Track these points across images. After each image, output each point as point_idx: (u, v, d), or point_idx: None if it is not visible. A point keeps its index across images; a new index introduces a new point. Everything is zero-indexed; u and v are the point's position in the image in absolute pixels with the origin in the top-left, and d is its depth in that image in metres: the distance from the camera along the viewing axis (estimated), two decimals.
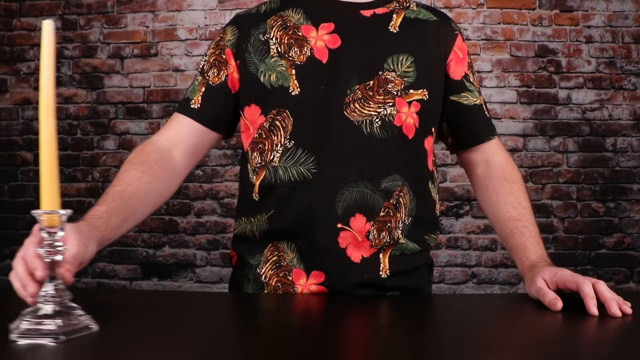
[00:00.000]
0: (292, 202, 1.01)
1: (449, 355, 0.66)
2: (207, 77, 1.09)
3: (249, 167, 1.07)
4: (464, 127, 1.13)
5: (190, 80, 2.82)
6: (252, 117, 1.06)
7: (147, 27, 2.85)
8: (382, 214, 1.01)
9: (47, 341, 0.65)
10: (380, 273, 1.02)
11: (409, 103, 1.04)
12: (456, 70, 1.11)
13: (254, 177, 1.06)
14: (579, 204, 2.75)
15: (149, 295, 1.38)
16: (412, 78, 1.04)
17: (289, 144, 1.02)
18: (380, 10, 1.07)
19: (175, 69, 2.83)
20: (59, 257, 0.69)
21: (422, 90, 1.05)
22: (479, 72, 2.75)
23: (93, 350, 0.65)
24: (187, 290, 2.78)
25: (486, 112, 1.15)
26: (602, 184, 2.74)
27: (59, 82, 2.87)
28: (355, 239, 1.00)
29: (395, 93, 1.03)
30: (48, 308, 0.68)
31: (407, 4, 1.10)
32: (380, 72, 1.02)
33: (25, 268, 0.72)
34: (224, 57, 1.08)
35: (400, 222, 1.03)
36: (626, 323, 0.79)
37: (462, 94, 1.12)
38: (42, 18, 2.87)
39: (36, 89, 2.88)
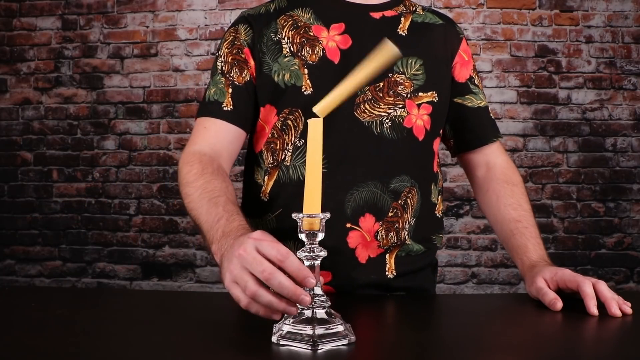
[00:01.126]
0: (300, 202, 1.00)
1: (449, 355, 0.66)
2: (231, 78, 1.05)
3: (260, 168, 1.07)
4: (468, 130, 1.14)
5: (190, 80, 2.82)
6: (267, 118, 1.05)
7: (147, 27, 2.85)
8: (390, 214, 1.01)
9: (304, 347, 0.63)
10: (387, 273, 1.02)
11: (419, 105, 1.04)
12: (461, 73, 1.12)
13: (266, 177, 1.05)
14: (579, 204, 2.75)
15: (149, 295, 1.38)
16: (421, 81, 1.04)
17: (299, 142, 1.02)
18: (389, 13, 1.08)
19: (175, 69, 2.83)
20: (318, 262, 0.67)
21: (431, 92, 1.05)
22: (479, 72, 2.75)
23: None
24: (187, 290, 2.78)
25: (491, 115, 1.16)
26: (602, 184, 2.74)
27: (58, 82, 2.88)
28: (364, 239, 1.00)
29: (405, 95, 1.03)
30: (308, 313, 0.65)
31: (414, 8, 1.11)
32: (390, 74, 1.03)
33: (287, 280, 0.62)
34: (242, 56, 1.06)
35: (407, 223, 1.03)
36: (626, 323, 0.79)
37: (466, 97, 1.13)
38: (42, 18, 2.87)
39: (36, 89, 2.88)
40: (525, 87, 2.76)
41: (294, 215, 0.67)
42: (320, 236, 0.67)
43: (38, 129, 2.89)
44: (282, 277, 0.62)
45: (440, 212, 1.13)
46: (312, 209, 0.66)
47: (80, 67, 2.87)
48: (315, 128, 0.68)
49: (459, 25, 1.17)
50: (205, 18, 2.83)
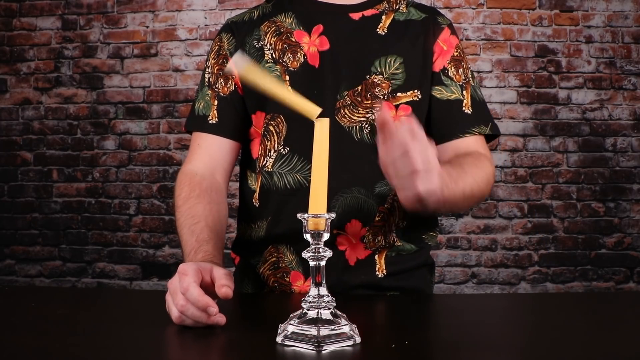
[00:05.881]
0: (287, 210, 1.01)
1: (449, 355, 0.66)
2: (217, 89, 1.07)
3: (254, 174, 1.07)
4: (434, 122, 1.06)
5: (190, 80, 2.82)
6: (259, 124, 1.06)
7: (147, 27, 2.85)
8: (377, 218, 1.01)
9: (309, 347, 0.64)
10: (377, 273, 1.02)
11: (397, 107, 1.03)
12: (436, 63, 1.07)
13: (255, 183, 1.06)
14: (579, 204, 2.75)
15: (149, 295, 1.38)
16: (400, 80, 1.02)
17: (284, 150, 1.02)
18: (369, 12, 1.06)
19: (175, 69, 2.83)
20: (323, 262, 0.67)
21: (411, 92, 1.03)
22: (478, 72, 2.75)
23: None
24: None
25: (465, 109, 1.05)
26: (602, 184, 2.74)
27: (58, 82, 2.87)
28: (350, 241, 1.00)
29: (382, 97, 1.02)
30: (312, 313, 0.66)
31: (397, 6, 1.08)
32: (367, 76, 1.02)
33: (197, 311, 0.72)
34: (227, 65, 1.07)
35: (394, 226, 1.02)
36: (626, 323, 0.79)
37: (436, 87, 1.06)
38: (42, 18, 2.87)
39: (36, 89, 2.88)
40: (525, 87, 2.76)
41: (299, 215, 0.67)
42: (326, 236, 0.67)
43: (38, 129, 2.89)
44: (193, 309, 0.72)
45: None
46: (317, 209, 0.66)
47: (80, 67, 2.87)
48: (322, 128, 0.68)
49: (445, 16, 1.11)
50: (205, 18, 2.83)
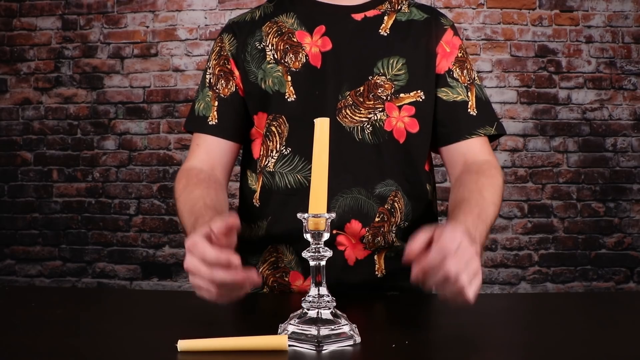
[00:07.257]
0: (288, 210, 1.01)
1: (449, 355, 0.66)
2: (217, 91, 1.07)
3: (255, 174, 1.07)
4: (441, 124, 1.07)
5: (190, 80, 2.82)
6: (261, 125, 1.06)
7: (147, 27, 2.85)
8: (377, 219, 1.00)
9: (309, 347, 0.64)
10: (376, 273, 1.02)
11: (400, 107, 1.02)
12: (440, 65, 1.07)
13: (256, 183, 1.07)
14: (579, 204, 2.75)
15: (149, 295, 1.38)
16: (403, 81, 1.02)
17: (286, 150, 1.02)
18: (371, 13, 1.06)
19: (175, 69, 2.83)
20: (323, 262, 0.67)
21: (415, 92, 1.03)
22: (478, 72, 2.75)
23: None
24: (187, 290, 2.77)
25: (470, 110, 1.07)
26: (602, 184, 2.74)
27: (58, 82, 2.88)
28: (350, 241, 1.00)
29: (385, 98, 1.01)
30: (312, 313, 0.66)
31: (399, 7, 1.08)
32: (370, 77, 1.01)
33: (225, 275, 0.71)
34: (228, 67, 1.07)
35: (394, 226, 1.02)
36: (626, 323, 0.79)
37: (442, 89, 1.06)
38: (42, 18, 2.87)
39: (36, 89, 2.88)
40: (525, 87, 2.76)
41: (299, 215, 0.67)
42: (326, 236, 0.67)
43: (38, 129, 2.89)
44: (221, 273, 0.70)
45: (436, 209, 1.12)
46: (317, 208, 0.66)
47: (80, 67, 2.87)
48: (322, 128, 0.68)
49: (447, 18, 1.12)
50: (205, 18, 2.83)
